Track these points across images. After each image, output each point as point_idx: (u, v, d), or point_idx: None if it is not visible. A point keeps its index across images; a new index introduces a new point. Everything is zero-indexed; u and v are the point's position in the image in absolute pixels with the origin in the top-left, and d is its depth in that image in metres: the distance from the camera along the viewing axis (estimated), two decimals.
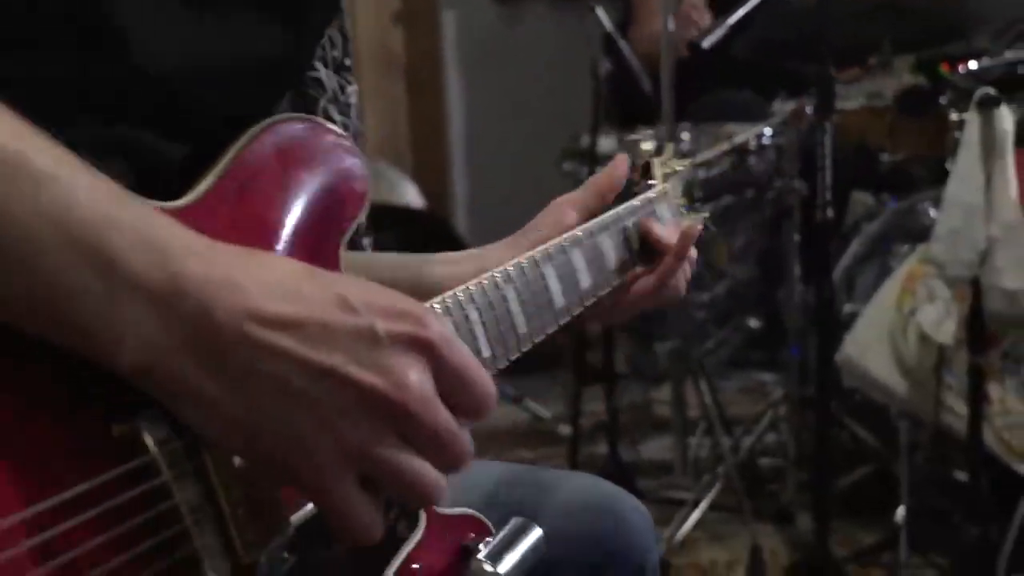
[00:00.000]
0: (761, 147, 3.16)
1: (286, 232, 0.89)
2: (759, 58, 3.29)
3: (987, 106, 2.39)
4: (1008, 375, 2.53)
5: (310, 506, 0.83)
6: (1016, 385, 2.52)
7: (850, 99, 3.30)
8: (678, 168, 1.41)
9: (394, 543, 0.91)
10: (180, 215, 0.80)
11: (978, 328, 2.47)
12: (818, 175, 2.49)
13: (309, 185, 0.91)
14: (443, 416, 0.77)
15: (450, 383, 0.79)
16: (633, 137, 1.39)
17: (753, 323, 3.51)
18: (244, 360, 0.72)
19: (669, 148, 1.43)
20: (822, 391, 2.59)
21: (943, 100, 2.97)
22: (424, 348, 0.77)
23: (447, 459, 0.79)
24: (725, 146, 2.97)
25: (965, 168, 2.44)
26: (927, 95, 3.09)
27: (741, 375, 3.89)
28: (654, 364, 3.54)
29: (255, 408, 0.73)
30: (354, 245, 1.54)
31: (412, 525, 0.93)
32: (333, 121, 1.82)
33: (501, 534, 0.99)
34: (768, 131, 3.11)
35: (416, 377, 0.76)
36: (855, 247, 3.16)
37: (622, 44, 3.13)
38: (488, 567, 0.95)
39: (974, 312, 2.46)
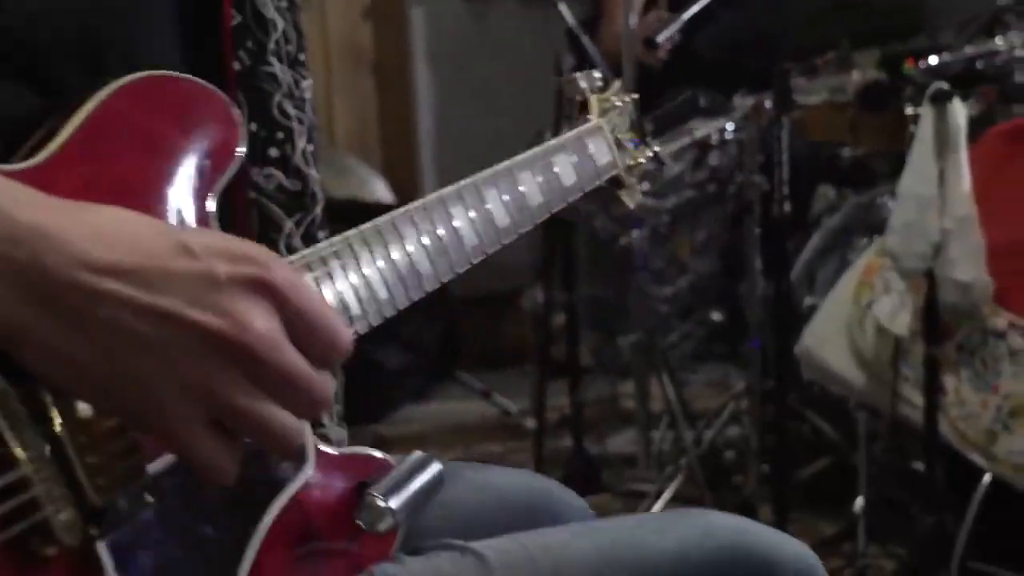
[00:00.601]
0: (723, 142, 3.19)
1: (145, 187, 0.88)
2: (720, 54, 3.32)
3: (940, 100, 2.42)
4: (963, 366, 2.55)
5: None
6: (971, 376, 2.54)
7: (812, 94, 3.34)
8: (617, 103, 1.36)
9: (276, 484, 0.92)
10: (25, 176, 0.80)
11: (933, 320, 2.50)
12: (775, 170, 2.52)
13: (170, 138, 0.91)
14: (291, 358, 0.77)
15: (297, 326, 0.78)
16: (577, 74, 1.36)
17: (716, 317, 3.54)
18: (81, 308, 0.73)
19: (614, 85, 1.38)
20: (780, 383, 2.62)
21: (905, 95, 3.01)
22: (268, 291, 0.77)
23: (301, 403, 0.79)
24: (686, 140, 3.00)
25: (919, 161, 2.47)
26: (887, 90, 3.12)
27: (705, 368, 3.91)
28: (618, 358, 3.56)
29: (97, 354, 0.73)
30: (310, 238, 1.55)
31: (299, 466, 0.93)
32: (288, 116, 1.84)
33: (399, 469, 0.99)
34: (730, 126, 3.14)
35: (258, 318, 0.76)
36: (815, 241, 3.19)
37: (585, 40, 3.15)
38: (380, 501, 0.96)
39: (929, 304, 2.49)
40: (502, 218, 1.16)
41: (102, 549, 0.80)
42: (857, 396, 2.83)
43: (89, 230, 0.74)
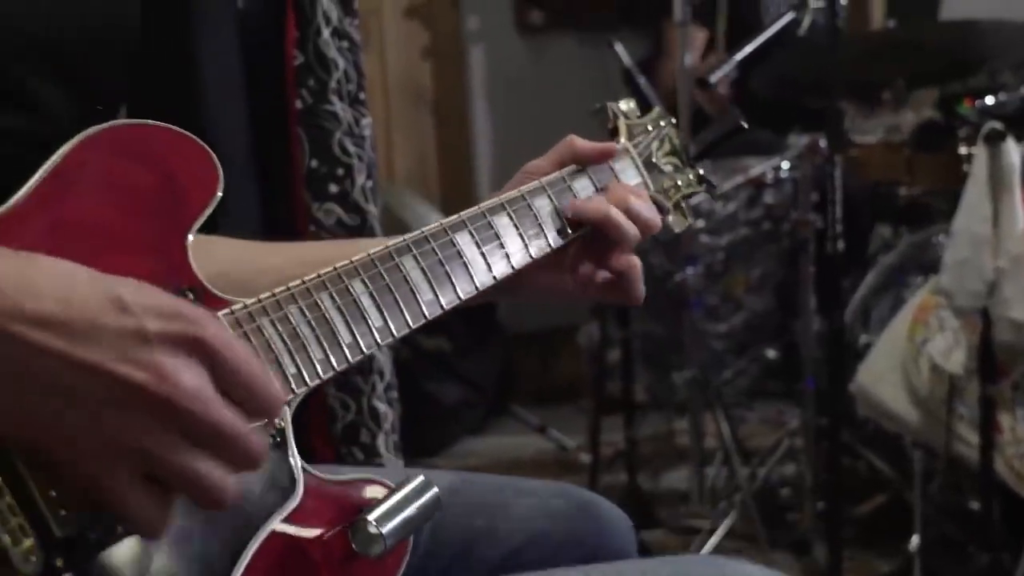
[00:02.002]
0: (778, 180, 3.21)
1: (114, 232, 0.90)
2: (774, 94, 3.35)
3: (994, 140, 2.43)
4: (1019, 405, 2.55)
5: None
6: None
7: (868, 133, 3.35)
8: (650, 127, 1.33)
9: (265, 511, 0.93)
10: None
11: (988, 358, 2.50)
12: (829, 208, 2.53)
13: (141, 183, 0.91)
14: (221, 413, 0.78)
15: (230, 383, 0.79)
16: (608, 102, 1.34)
17: (770, 354, 3.54)
18: (12, 358, 0.74)
19: (653, 112, 1.36)
20: (834, 421, 2.62)
21: (960, 134, 3.01)
22: (197, 347, 0.78)
23: (233, 458, 0.80)
24: (740, 179, 3.02)
25: (973, 200, 2.48)
26: (942, 130, 3.13)
27: (760, 405, 3.91)
28: (673, 394, 3.58)
29: (26, 405, 0.75)
30: None
31: (285, 495, 0.94)
32: (347, 153, 1.89)
33: (396, 494, 1.00)
34: (785, 164, 3.16)
35: (185, 373, 0.77)
36: (870, 278, 3.19)
37: (641, 80, 3.19)
38: (373, 527, 0.97)
39: (984, 342, 2.49)
40: (514, 242, 1.14)
41: None
42: (912, 434, 2.82)
43: (24, 281, 0.76)
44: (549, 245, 1.17)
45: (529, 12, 5.29)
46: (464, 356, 4.35)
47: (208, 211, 0.94)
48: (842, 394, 2.77)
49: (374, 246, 1.04)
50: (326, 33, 1.80)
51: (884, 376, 2.81)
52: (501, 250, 1.13)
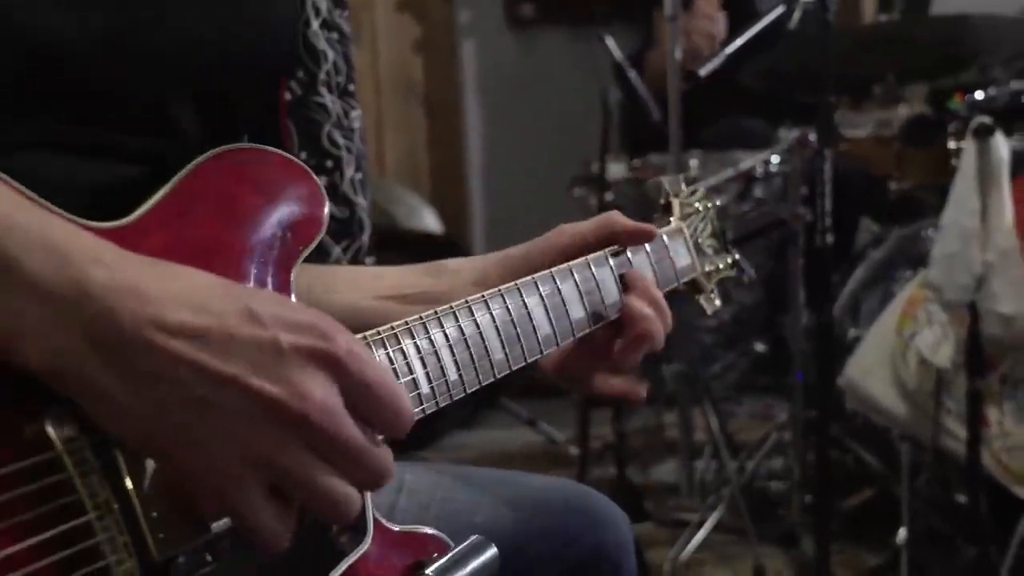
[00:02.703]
0: (768, 174, 3.21)
1: (226, 253, 0.90)
2: (766, 86, 3.35)
3: (982, 135, 2.44)
4: (1006, 399, 2.56)
5: None
6: (1014, 408, 2.55)
7: (859, 128, 3.36)
8: (699, 208, 1.36)
9: (334, 556, 0.92)
10: (111, 235, 0.83)
11: (976, 352, 2.50)
12: (818, 202, 2.54)
13: (256, 211, 0.93)
14: (349, 429, 0.79)
15: (358, 397, 0.80)
16: (662, 177, 1.34)
17: (759, 347, 3.55)
18: (149, 366, 0.75)
19: (699, 190, 1.38)
20: (822, 414, 2.63)
21: (950, 129, 3.02)
22: (329, 362, 0.79)
23: (359, 473, 0.81)
24: (730, 172, 3.03)
25: (961, 194, 2.48)
26: (932, 125, 3.14)
27: (749, 399, 3.92)
28: (662, 387, 3.58)
29: (160, 412, 0.76)
30: (357, 264, 1.59)
31: (357, 539, 0.94)
32: (337, 145, 1.89)
33: (455, 550, 1.00)
34: (775, 158, 3.16)
35: (317, 388, 0.78)
36: (860, 272, 3.20)
37: (631, 74, 3.19)
38: None
39: (972, 336, 2.49)
40: (576, 309, 1.15)
41: None
42: (900, 427, 2.83)
43: (162, 290, 0.77)
44: (606, 316, 1.18)
45: (520, 6, 5.29)
46: None
47: (313, 245, 0.96)
48: (830, 388, 2.78)
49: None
50: (315, 24, 1.80)
51: (872, 370, 2.82)
52: (566, 316, 1.14)
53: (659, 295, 1.21)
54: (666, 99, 3.04)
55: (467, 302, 1.04)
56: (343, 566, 0.93)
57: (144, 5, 0.95)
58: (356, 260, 1.63)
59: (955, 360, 2.59)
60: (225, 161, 0.93)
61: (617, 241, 1.22)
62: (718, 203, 1.39)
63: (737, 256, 1.39)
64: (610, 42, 3.23)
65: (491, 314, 1.06)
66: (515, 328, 1.08)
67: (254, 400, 0.76)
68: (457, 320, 1.03)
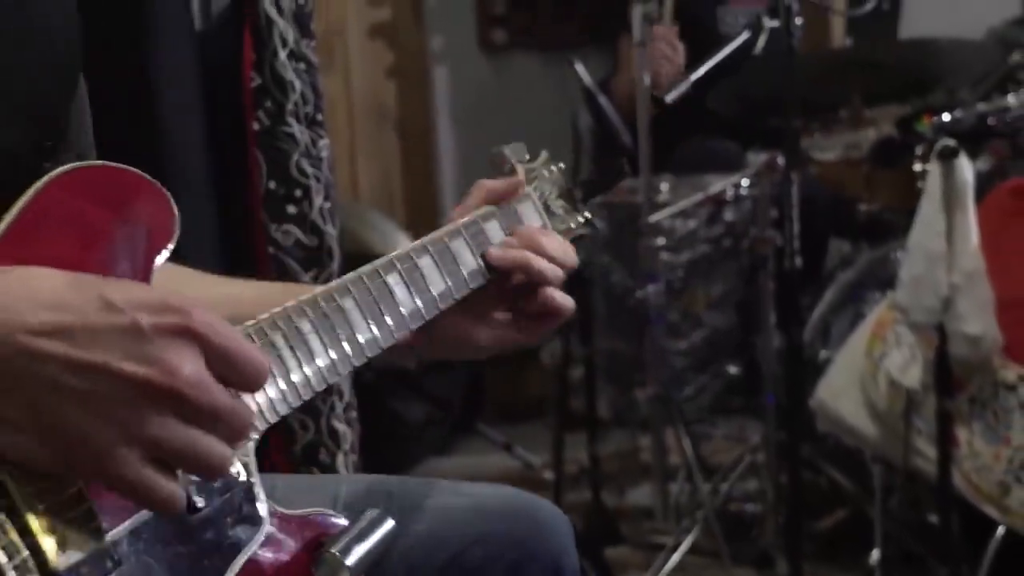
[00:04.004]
0: (737, 198, 3.23)
1: (80, 272, 0.90)
2: (734, 111, 3.37)
3: (947, 157, 2.46)
4: (975, 419, 2.57)
5: (134, 517, 0.88)
6: (983, 428, 2.56)
7: (828, 150, 3.39)
8: (544, 172, 1.41)
9: (232, 548, 0.96)
10: None
11: (944, 373, 2.52)
12: (786, 225, 2.56)
13: (105, 225, 0.94)
14: (218, 394, 0.83)
15: (222, 363, 0.84)
16: (503, 147, 1.41)
17: (732, 370, 3.56)
18: (16, 369, 0.78)
19: (542, 156, 1.44)
20: (794, 436, 2.64)
21: (916, 151, 3.05)
22: (190, 335, 0.82)
23: (230, 431, 0.85)
24: (700, 196, 3.05)
25: (927, 217, 2.51)
26: (899, 147, 3.17)
27: (722, 421, 3.93)
28: (635, 411, 3.59)
29: (35, 413, 0.79)
30: None
31: (253, 530, 0.98)
32: (305, 175, 1.90)
33: (354, 525, 1.04)
34: (744, 182, 3.19)
35: (185, 363, 0.82)
36: (830, 294, 3.22)
37: (601, 99, 3.21)
38: (337, 559, 1.00)
39: (940, 357, 2.51)
40: (438, 283, 1.20)
41: None
42: (871, 448, 2.85)
43: (16, 294, 0.79)
44: (467, 286, 1.24)
45: (492, 31, 5.32)
46: (429, 374, 4.35)
47: (164, 255, 0.98)
48: (802, 410, 2.80)
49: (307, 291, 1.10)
50: (283, 55, 1.81)
51: (843, 391, 2.84)
52: (428, 292, 1.19)
53: (530, 233, 1.29)
54: (635, 124, 3.06)
55: (328, 288, 1.09)
56: (242, 557, 0.96)
57: None
58: None
59: (924, 381, 2.60)
60: (68, 181, 0.93)
61: (494, 201, 1.30)
62: (562, 165, 1.44)
63: (588, 214, 1.43)
64: (580, 67, 3.25)
65: (353, 297, 1.10)
66: (378, 305, 1.12)
67: (127, 384, 0.80)
68: (321, 304, 1.06)
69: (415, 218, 5.24)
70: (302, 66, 1.85)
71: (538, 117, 4.93)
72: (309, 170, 1.86)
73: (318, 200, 1.90)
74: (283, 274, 1.88)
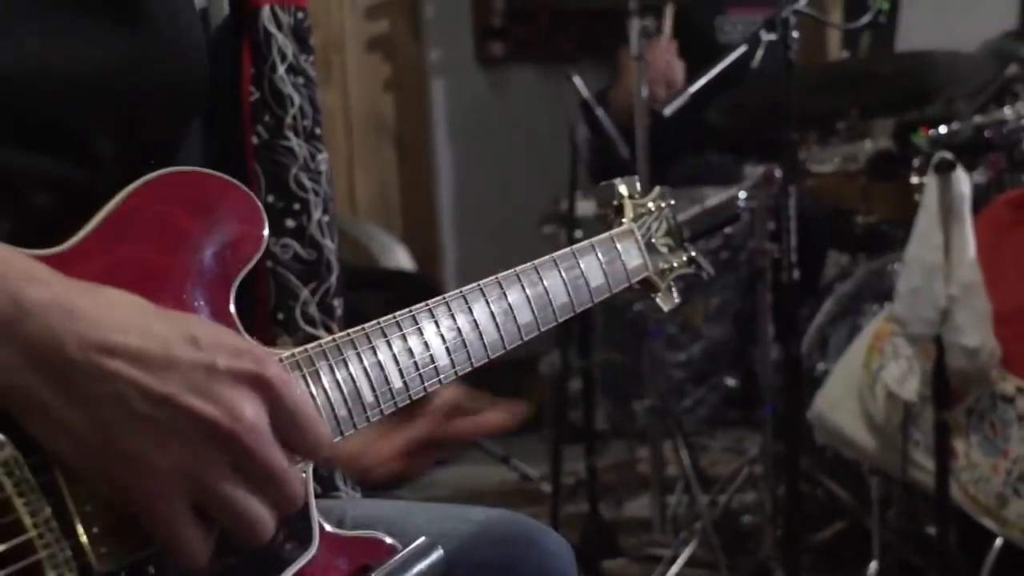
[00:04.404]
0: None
1: (165, 277, 0.92)
2: (731, 124, 3.38)
3: (944, 170, 2.46)
4: (972, 431, 2.57)
5: None
6: (980, 440, 2.56)
7: (826, 163, 3.40)
8: (653, 208, 1.37)
9: (280, 564, 0.95)
10: (49, 261, 0.85)
11: (942, 385, 2.52)
12: (784, 237, 2.56)
13: (192, 232, 0.94)
14: (274, 451, 0.83)
15: (285, 422, 0.84)
16: (616, 180, 1.36)
17: (730, 382, 3.56)
18: (89, 384, 0.78)
19: (654, 191, 1.40)
20: (792, 448, 2.64)
21: (913, 164, 3.06)
22: (261, 386, 0.83)
23: (277, 497, 0.85)
24: (698, 209, 3.05)
25: (925, 229, 2.51)
26: (896, 160, 3.18)
27: (720, 433, 3.93)
28: (633, 423, 3.59)
29: (97, 429, 0.79)
30: (326, 307, 1.60)
31: (303, 547, 0.96)
32: (304, 188, 1.89)
33: (402, 554, 1.02)
34: (743, 194, 3.19)
35: (249, 409, 0.82)
36: (827, 306, 3.23)
37: (598, 111, 3.21)
38: None
39: (938, 369, 2.51)
40: (524, 314, 1.18)
41: None
42: (869, 460, 2.85)
43: (104, 312, 0.80)
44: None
45: (490, 45, 5.33)
46: None
47: (253, 262, 0.98)
48: (800, 421, 2.80)
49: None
50: (281, 70, 1.81)
51: (841, 403, 2.84)
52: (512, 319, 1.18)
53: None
54: (633, 136, 3.07)
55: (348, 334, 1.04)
56: (289, 572, 0.95)
57: (51, 31, 0.95)
58: (324, 302, 1.64)
59: (922, 393, 2.61)
60: (159, 185, 0.94)
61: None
62: (672, 203, 1.40)
63: (693, 253, 1.40)
64: (577, 80, 3.25)
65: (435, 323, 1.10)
66: (460, 335, 1.11)
67: (188, 417, 0.80)
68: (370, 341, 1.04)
69: (413, 230, 5.24)
70: (300, 80, 1.85)
71: (535, 130, 4.95)
72: (308, 184, 1.85)
73: (316, 214, 1.89)
74: (281, 288, 1.88)
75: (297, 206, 1.92)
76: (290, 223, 1.93)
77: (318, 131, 1.89)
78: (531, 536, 1.31)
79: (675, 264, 1.37)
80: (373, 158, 5.21)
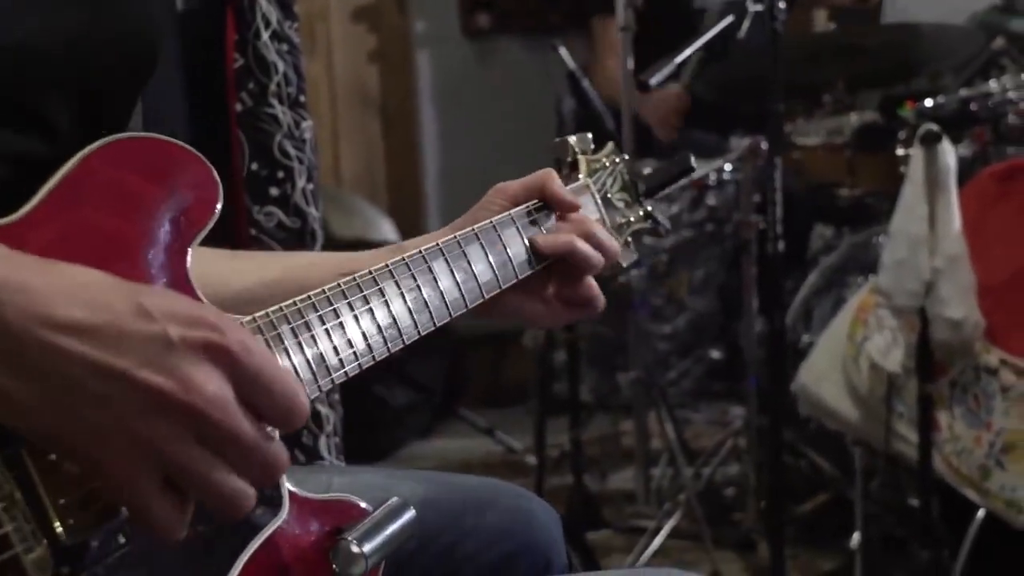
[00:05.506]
0: (720, 182, 3.23)
1: (119, 243, 0.91)
2: (717, 96, 3.37)
3: (929, 142, 2.46)
4: (956, 403, 2.58)
5: None
6: (964, 412, 2.57)
7: (811, 135, 3.39)
8: (607, 163, 1.36)
9: (250, 529, 0.93)
10: (5, 230, 0.84)
11: (926, 357, 2.53)
12: (769, 209, 2.56)
13: (147, 198, 0.93)
14: (238, 420, 0.80)
15: (250, 389, 0.81)
16: (569, 136, 1.36)
17: (714, 354, 3.57)
18: (39, 362, 0.76)
19: (607, 146, 1.39)
20: (776, 420, 2.65)
21: (899, 136, 3.06)
22: (220, 354, 0.79)
23: (253, 467, 0.81)
24: (684, 181, 3.04)
25: (910, 201, 2.51)
26: (882, 132, 3.18)
27: (705, 405, 3.94)
28: (618, 395, 3.59)
29: (51, 407, 0.77)
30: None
31: (272, 512, 0.95)
32: (288, 156, 1.90)
33: (373, 515, 1.02)
34: (728, 167, 3.19)
35: (208, 381, 0.78)
36: (812, 279, 3.23)
37: (585, 83, 3.21)
38: (354, 546, 0.98)
39: (922, 341, 2.52)
40: (484, 272, 1.17)
41: None
42: (852, 432, 2.86)
43: (51, 287, 0.77)
44: (516, 275, 1.21)
45: (475, 16, 5.31)
46: (411, 358, 4.34)
47: (208, 227, 0.96)
48: (784, 394, 2.80)
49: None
50: (265, 36, 1.80)
51: (825, 375, 2.84)
52: (473, 279, 1.16)
53: (580, 218, 1.26)
54: (618, 109, 3.06)
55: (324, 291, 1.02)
56: (259, 539, 0.94)
57: (5, 3, 0.93)
58: None
59: (906, 365, 2.61)
60: (112, 151, 0.92)
61: (546, 203, 1.26)
62: (626, 157, 1.40)
63: (650, 207, 1.39)
64: (563, 52, 3.25)
65: (395, 282, 1.08)
66: (420, 294, 1.10)
67: (144, 392, 0.77)
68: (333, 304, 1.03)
69: (398, 202, 5.24)
70: (285, 47, 1.85)
71: (521, 102, 4.94)
72: (292, 152, 1.86)
73: (301, 182, 1.89)
74: None
75: (281, 174, 1.92)
76: (274, 191, 1.94)
77: (302, 99, 1.89)
78: (519, 503, 1.32)
79: (631, 219, 1.37)
80: (358, 130, 5.20)
